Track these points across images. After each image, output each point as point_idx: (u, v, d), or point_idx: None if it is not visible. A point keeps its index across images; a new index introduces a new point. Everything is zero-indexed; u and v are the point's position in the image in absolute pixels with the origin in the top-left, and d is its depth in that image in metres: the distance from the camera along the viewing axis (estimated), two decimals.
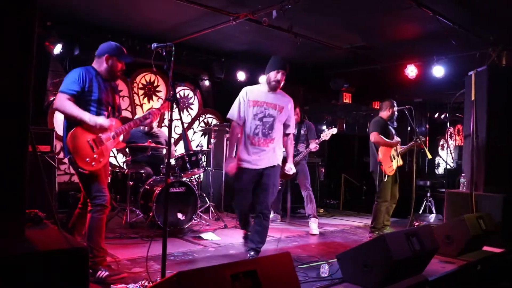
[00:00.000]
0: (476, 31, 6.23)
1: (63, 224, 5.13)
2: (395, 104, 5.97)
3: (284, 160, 6.58)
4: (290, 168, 4.49)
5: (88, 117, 3.47)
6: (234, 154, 4.39)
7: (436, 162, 12.05)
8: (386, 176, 5.72)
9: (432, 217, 8.27)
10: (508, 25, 6.15)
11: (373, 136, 5.80)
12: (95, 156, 3.53)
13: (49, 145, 5.66)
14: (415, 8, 5.28)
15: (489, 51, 6.69)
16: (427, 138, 6.13)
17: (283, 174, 6.62)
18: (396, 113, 5.98)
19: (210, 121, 9.41)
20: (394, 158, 5.82)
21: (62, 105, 3.45)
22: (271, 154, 4.27)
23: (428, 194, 8.67)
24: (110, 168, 3.89)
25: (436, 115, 11.45)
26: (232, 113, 4.31)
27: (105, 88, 3.69)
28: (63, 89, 3.48)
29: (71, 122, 3.50)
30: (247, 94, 4.29)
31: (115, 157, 7.93)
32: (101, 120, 3.52)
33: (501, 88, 5.84)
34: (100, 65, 3.70)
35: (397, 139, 5.92)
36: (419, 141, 5.79)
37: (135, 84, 8.30)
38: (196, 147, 6.60)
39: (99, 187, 3.60)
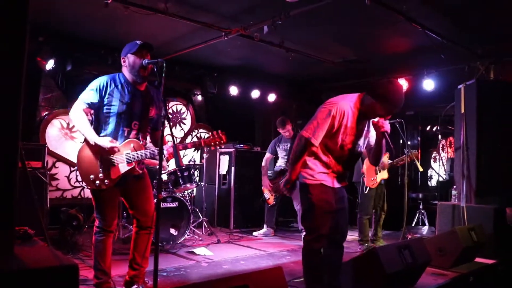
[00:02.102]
0: (464, 45, 6.31)
1: (54, 240, 5.11)
2: None
3: (281, 173, 6.63)
4: None
5: (90, 136, 3.27)
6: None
7: (428, 174, 12.08)
8: (367, 188, 5.81)
9: (425, 229, 8.28)
10: (495, 39, 6.24)
11: None
12: (100, 175, 3.29)
13: (40, 161, 5.62)
14: (404, 23, 5.35)
15: (477, 65, 6.77)
16: (419, 151, 6.17)
17: (277, 188, 6.67)
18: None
19: (202, 136, 9.41)
20: (380, 172, 5.87)
21: (73, 115, 3.31)
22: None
23: (421, 207, 8.70)
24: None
25: (428, 128, 11.52)
26: (319, 135, 3.24)
27: (131, 100, 3.35)
28: (81, 97, 3.32)
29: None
30: (344, 115, 3.25)
31: None
32: (101, 141, 3.26)
33: (489, 101, 5.92)
34: (125, 71, 3.43)
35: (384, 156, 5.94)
36: (410, 154, 5.81)
37: None
38: (189, 162, 6.60)
39: (102, 209, 3.40)
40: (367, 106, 3.24)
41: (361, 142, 3.40)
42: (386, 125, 3.22)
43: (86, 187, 3.36)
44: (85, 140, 3.36)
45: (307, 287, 3.31)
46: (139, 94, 3.44)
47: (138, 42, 3.37)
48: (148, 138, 3.65)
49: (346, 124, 3.24)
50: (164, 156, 3.33)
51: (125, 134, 3.38)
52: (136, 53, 3.34)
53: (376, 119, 3.26)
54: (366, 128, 3.41)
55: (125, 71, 3.43)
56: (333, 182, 3.36)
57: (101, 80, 3.34)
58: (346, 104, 3.26)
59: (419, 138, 11.15)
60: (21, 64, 1.90)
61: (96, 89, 3.31)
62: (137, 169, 3.42)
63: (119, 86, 3.36)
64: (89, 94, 3.31)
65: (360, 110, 3.28)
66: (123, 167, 3.35)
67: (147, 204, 3.57)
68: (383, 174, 5.91)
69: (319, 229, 3.26)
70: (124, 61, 3.41)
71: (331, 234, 3.33)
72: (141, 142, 3.44)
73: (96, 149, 3.31)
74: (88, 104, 3.32)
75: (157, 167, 3.35)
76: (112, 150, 3.30)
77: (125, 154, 3.35)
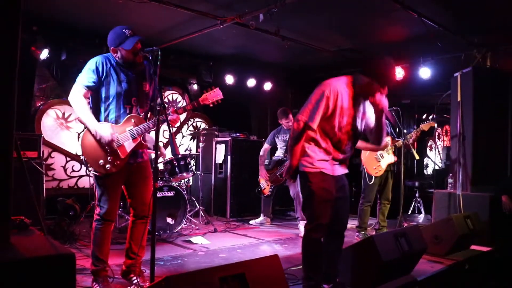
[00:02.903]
0: (461, 33, 6.29)
1: (51, 230, 5.10)
2: None
3: (279, 163, 6.63)
4: None
5: (91, 125, 3.23)
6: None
7: (424, 163, 12.12)
8: (373, 178, 5.74)
9: (421, 218, 8.33)
10: (491, 27, 6.23)
11: None
12: (109, 158, 3.27)
13: (36, 151, 5.60)
14: (400, 10, 5.32)
15: (474, 53, 6.75)
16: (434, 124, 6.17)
17: (275, 179, 6.68)
18: None
19: (198, 125, 9.40)
20: (383, 157, 5.81)
21: (74, 101, 3.24)
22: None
23: (417, 195, 8.74)
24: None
25: (424, 116, 11.53)
26: (316, 117, 3.22)
27: (126, 78, 3.34)
28: (79, 80, 3.25)
29: None
30: (338, 96, 3.22)
31: None
32: (102, 132, 3.22)
33: (486, 89, 5.92)
34: (114, 55, 3.38)
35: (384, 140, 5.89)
36: (409, 139, 5.80)
37: None
38: (185, 151, 6.59)
39: (105, 197, 3.36)
40: (361, 85, 3.22)
41: (358, 124, 3.36)
42: (384, 101, 3.19)
43: (96, 173, 3.31)
44: (86, 127, 3.32)
45: (305, 275, 3.31)
46: (130, 71, 3.41)
47: (127, 32, 3.30)
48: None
49: (342, 105, 3.20)
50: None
51: (127, 112, 3.37)
52: (126, 47, 3.27)
53: (373, 98, 3.21)
54: (362, 110, 3.38)
55: (115, 57, 3.38)
56: (333, 170, 3.31)
57: (97, 60, 3.30)
58: (339, 85, 3.24)
59: (415, 127, 11.17)
60: (15, 54, 1.88)
61: (94, 69, 3.26)
62: (142, 142, 3.41)
63: (112, 67, 3.33)
64: (88, 76, 3.26)
65: (354, 90, 3.25)
66: (130, 144, 3.35)
67: (145, 194, 3.56)
68: (388, 159, 5.81)
69: (319, 218, 3.22)
70: (115, 52, 3.35)
71: (331, 223, 3.27)
72: (141, 115, 3.43)
73: None
74: (88, 86, 3.26)
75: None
76: (112, 141, 3.27)
77: (128, 131, 3.33)
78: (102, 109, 3.35)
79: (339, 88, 3.22)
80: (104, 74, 3.29)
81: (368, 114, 3.42)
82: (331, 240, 3.40)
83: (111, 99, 3.32)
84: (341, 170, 3.39)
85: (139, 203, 3.55)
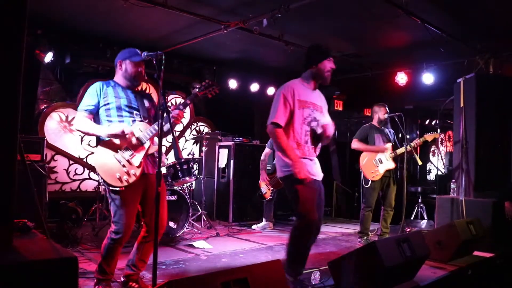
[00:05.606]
0: (463, 39, 6.29)
1: (53, 233, 5.11)
2: (379, 108, 5.99)
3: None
4: None
5: (104, 131, 3.23)
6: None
7: (427, 168, 12.09)
8: (370, 181, 5.76)
9: (423, 223, 8.31)
10: (494, 33, 6.23)
11: (352, 143, 6.06)
12: (124, 169, 3.22)
13: (39, 154, 5.61)
14: (404, 16, 5.33)
15: (476, 59, 6.76)
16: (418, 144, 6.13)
17: (276, 183, 6.68)
18: (380, 116, 5.98)
19: (202, 129, 9.40)
20: (381, 163, 5.80)
21: (79, 124, 3.27)
22: (318, 165, 3.77)
23: (420, 200, 8.71)
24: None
25: (427, 122, 11.51)
26: (279, 115, 3.54)
27: (126, 95, 3.39)
28: (80, 107, 3.31)
29: (97, 140, 3.35)
30: (294, 92, 3.57)
31: None
32: (117, 128, 3.20)
33: (488, 94, 5.92)
34: (117, 75, 3.46)
35: (385, 145, 5.89)
36: (409, 148, 5.79)
37: None
38: (188, 155, 6.60)
39: (120, 212, 3.27)
40: (313, 75, 3.69)
41: (318, 116, 3.67)
42: (330, 129, 3.64)
43: (115, 188, 3.23)
44: (97, 143, 3.32)
45: (290, 265, 3.58)
46: (131, 91, 3.46)
47: (139, 52, 3.38)
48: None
49: (299, 99, 3.57)
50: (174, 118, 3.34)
51: (131, 124, 3.34)
52: (137, 64, 3.38)
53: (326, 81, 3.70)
54: (320, 104, 3.77)
55: (119, 76, 3.45)
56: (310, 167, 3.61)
57: (96, 85, 3.35)
58: (293, 83, 3.66)
59: (418, 132, 11.15)
60: (20, 57, 1.89)
61: (93, 93, 3.31)
62: (152, 145, 3.38)
63: (111, 87, 3.38)
64: (88, 100, 3.30)
65: (309, 85, 3.71)
66: (142, 150, 3.31)
67: (161, 210, 3.43)
68: (387, 165, 5.81)
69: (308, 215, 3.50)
70: (121, 65, 3.43)
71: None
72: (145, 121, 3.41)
73: (110, 147, 3.27)
74: (88, 111, 3.30)
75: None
76: (130, 134, 3.24)
77: (135, 139, 3.29)
78: (105, 123, 3.33)
79: (293, 85, 3.63)
80: (102, 95, 3.33)
81: (325, 113, 3.81)
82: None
83: (112, 116, 3.32)
84: (320, 173, 3.72)
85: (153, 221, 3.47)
